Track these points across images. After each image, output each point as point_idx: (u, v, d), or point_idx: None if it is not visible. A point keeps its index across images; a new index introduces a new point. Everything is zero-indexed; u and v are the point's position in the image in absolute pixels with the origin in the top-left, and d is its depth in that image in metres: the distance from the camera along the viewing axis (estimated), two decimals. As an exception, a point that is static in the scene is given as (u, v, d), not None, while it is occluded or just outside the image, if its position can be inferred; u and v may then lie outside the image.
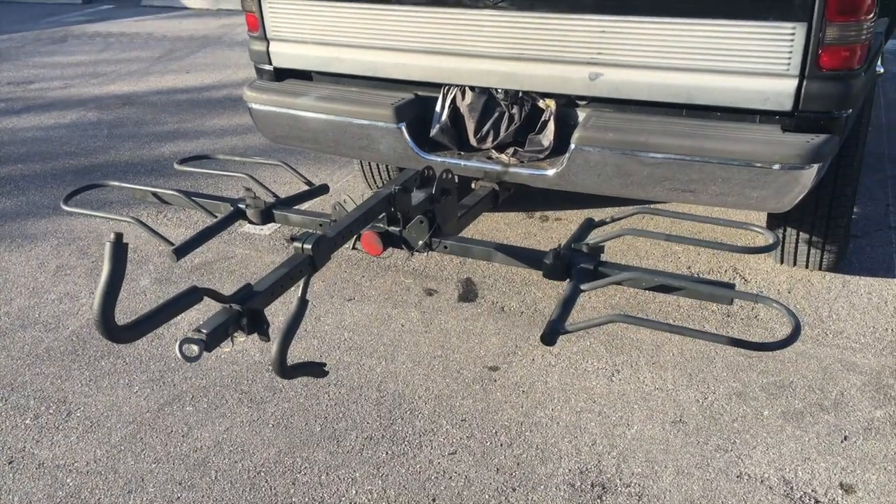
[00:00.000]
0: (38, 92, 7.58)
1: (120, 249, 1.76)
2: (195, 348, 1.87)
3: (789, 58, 2.61)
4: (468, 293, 3.59)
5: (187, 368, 3.14)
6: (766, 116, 2.80)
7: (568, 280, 2.52)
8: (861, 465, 2.53)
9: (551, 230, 4.17)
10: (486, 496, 2.49)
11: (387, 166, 4.28)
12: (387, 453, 2.69)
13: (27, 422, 2.90)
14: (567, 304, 2.26)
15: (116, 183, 3.24)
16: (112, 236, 1.75)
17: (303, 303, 2.25)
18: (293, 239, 2.42)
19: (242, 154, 5.51)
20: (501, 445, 2.69)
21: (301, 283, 2.34)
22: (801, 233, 3.39)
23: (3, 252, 4.20)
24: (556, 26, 2.90)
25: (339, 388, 3.01)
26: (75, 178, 5.19)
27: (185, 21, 11.37)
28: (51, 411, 2.95)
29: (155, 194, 3.18)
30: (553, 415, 2.81)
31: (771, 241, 2.52)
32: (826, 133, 2.69)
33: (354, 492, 2.54)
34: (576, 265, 2.51)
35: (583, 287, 2.39)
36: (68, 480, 2.62)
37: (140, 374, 3.15)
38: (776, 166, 2.68)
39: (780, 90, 2.67)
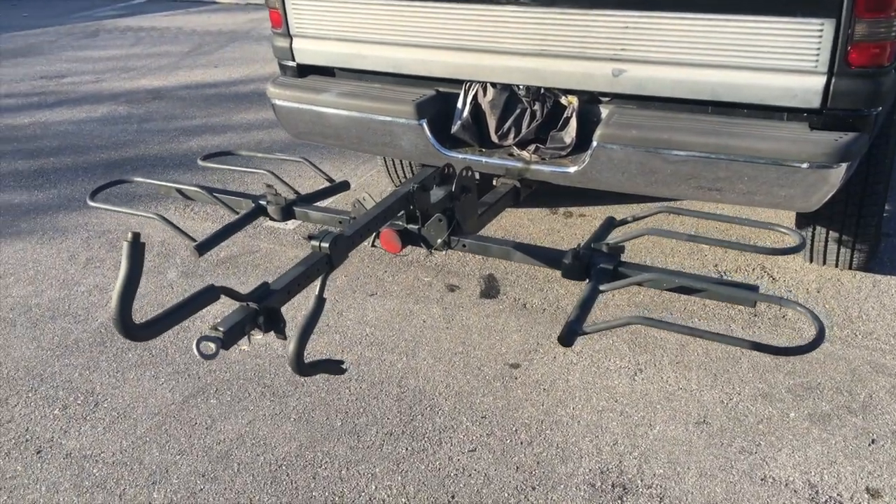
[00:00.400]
0: (71, 86, 7.69)
1: (137, 249, 1.78)
2: (212, 346, 1.88)
3: (817, 54, 2.56)
4: (490, 289, 3.58)
5: (212, 362, 3.16)
6: (793, 114, 2.75)
7: (587, 280, 2.50)
8: (888, 469, 2.48)
9: (575, 227, 4.15)
10: (506, 495, 2.49)
11: (410, 162, 4.27)
12: (407, 449, 2.69)
13: (56, 412, 2.95)
14: (585, 304, 2.25)
15: (141, 179, 3.28)
16: (129, 236, 1.77)
17: (320, 301, 2.25)
18: (311, 237, 2.43)
19: (267, 150, 5.55)
20: (521, 443, 2.68)
21: (319, 280, 2.35)
22: (830, 231, 3.33)
23: (36, 244, 4.28)
24: (578, 22, 2.87)
25: (361, 384, 3.02)
26: (106, 172, 5.26)
27: (214, 15, 11.46)
28: (79, 402, 3.00)
29: (178, 190, 3.21)
30: (574, 413, 2.80)
31: (797, 242, 2.47)
32: (855, 131, 2.64)
33: (374, 487, 2.55)
34: (595, 265, 2.49)
35: (602, 288, 2.38)
36: (94, 470, 2.66)
37: (166, 366, 3.18)
38: (804, 165, 2.64)
39: (808, 87, 2.62)
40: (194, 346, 1.87)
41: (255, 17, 10.96)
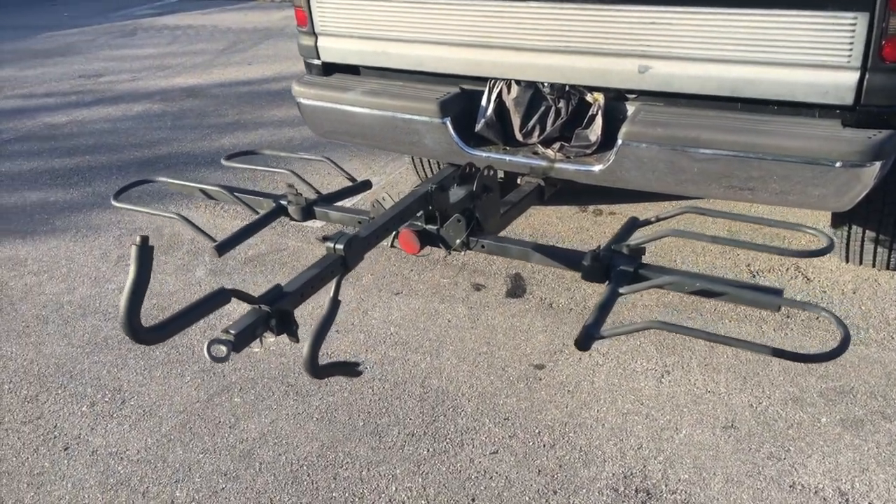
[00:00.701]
0: (108, 84, 7.82)
1: (146, 253, 1.78)
2: (223, 349, 1.88)
3: (850, 49, 2.48)
4: (516, 289, 3.55)
5: (237, 360, 3.19)
6: (825, 111, 2.67)
7: (607, 282, 2.46)
8: (924, 478, 2.40)
9: (605, 225, 4.09)
10: (527, 498, 2.46)
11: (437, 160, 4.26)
12: (428, 450, 2.67)
13: (83, 409, 3.00)
14: (604, 307, 2.20)
15: (164, 179, 3.31)
16: (138, 239, 1.77)
17: (335, 303, 2.24)
18: (325, 238, 2.41)
19: (296, 147, 5.57)
20: (544, 446, 2.65)
21: (333, 282, 2.33)
22: (867, 231, 3.23)
23: (69, 242, 4.35)
24: (603, 17, 2.82)
25: (384, 383, 3.01)
26: (139, 170, 5.33)
27: (250, 13, 11.56)
28: (106, 399, 3.04)
29: (201, 190, 3.23)
30: (598, 416, 2.75)
31: (826, 243, 2.40)
32: (889, 129, 2.55)
33: (394, 488, 2.54)
34: (615, 267, 2.44)
35: (621, 291, 2.33)
36: (119, 468, 2.69)
37: (192, 364, 3.21)
38: (836, 164, 2.56)
39: (840, 83, 2.54)
40: (205, 349, 1.87)
41: (289, 15, 11.02)
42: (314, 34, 3.51)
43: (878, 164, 2.53)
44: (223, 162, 3.37)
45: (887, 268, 3.39)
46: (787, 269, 3.53)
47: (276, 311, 2.11)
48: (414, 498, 2.50)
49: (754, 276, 3.49)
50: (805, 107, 2.69)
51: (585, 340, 2.06)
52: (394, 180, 4.84)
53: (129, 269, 1.79)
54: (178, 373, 3.16)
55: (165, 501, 2.54)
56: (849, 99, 2.56)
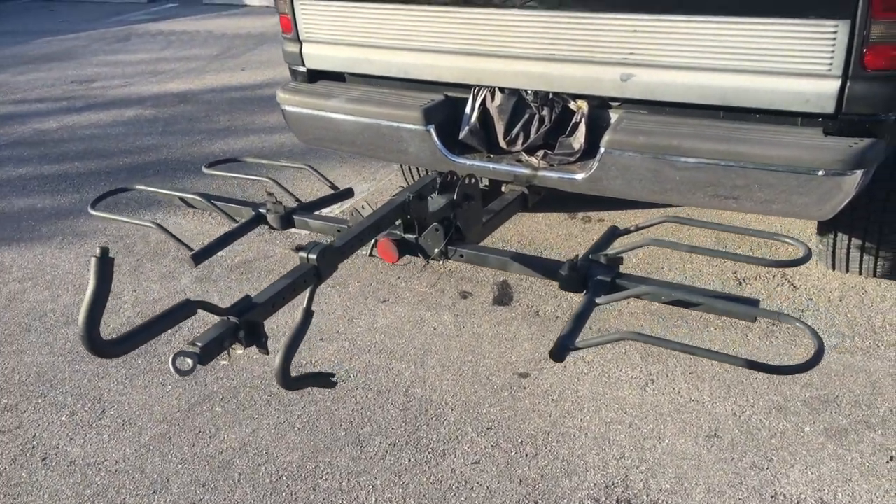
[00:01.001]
0: (100, 90, 7.80)
1: (106, 265, 1.75)
2: (189, 361, 1.86)
3: (832, 57, 2.46)
4: (503, 296, 3.53)
5: (219, 368, 3.16)
6: (807, 119, 2.65)
7: (585, 292, 2.44)
8: (907, 488, 2.38)
9: (593, 232, 4.07)
10: (509, 508, 2.44)
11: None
12: (409, 460, 2.65)
13: (63, 419, 2.97)
14: (580, 318, 2.18)
15: (143, 187, 3.30)
16: (98, 251, 1.75)
17: (307, 314, 2.22)
18: (298, 248, 2.39)
19: (286, 153, 5.55)
20: (526, 456, 2.62)
21: (307, 293, 2.30)
22: (853, 239, 3.21)
23: (55, 249, 4.32)
24: (587, 26, 2.80)
25: (367, 392, 2.98)
26: (129, 176, 5.31)
27: (244, 19, 11.56)
28: (86, 409, 3.01)
29: (181, 198, 3.21)
30: (582, 425, 2.73)
31: (803, 253, 2.39)
32: (871, 137, 2.53)
33: (374, 499, 2.51)
34: (592, 277, 2.43)
35: (598, 301, 2.31)
36: (97, 479, 2.67)
37: (174, 373, 3.18)
38: (818, 172, 2.54)
39: (821, 91, 2.53)
40: (170, 362, 1.84)
41: (283, 20, 11.02)
42: (299, 41, 3.49)
43: (859, 173, 2.52)
44: (204, 170, 3.35)
45: (874, 275, 3.37)
46: (774, 276, 3.51)
47: (244, 323, 2.08)
48: (394, 508, 2.48)
49: (741, 284, 3.47)
50: (787, 115, 2.67)
51: (560, 352, 2.04)
52: (384, 187, 4.82)
53: (88, 281, 1.77)
54: (159, 382, 3.13)
55: (143, 513, 2.53)
56: (830, 107, 2.55)
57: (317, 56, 3.49)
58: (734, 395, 2.80)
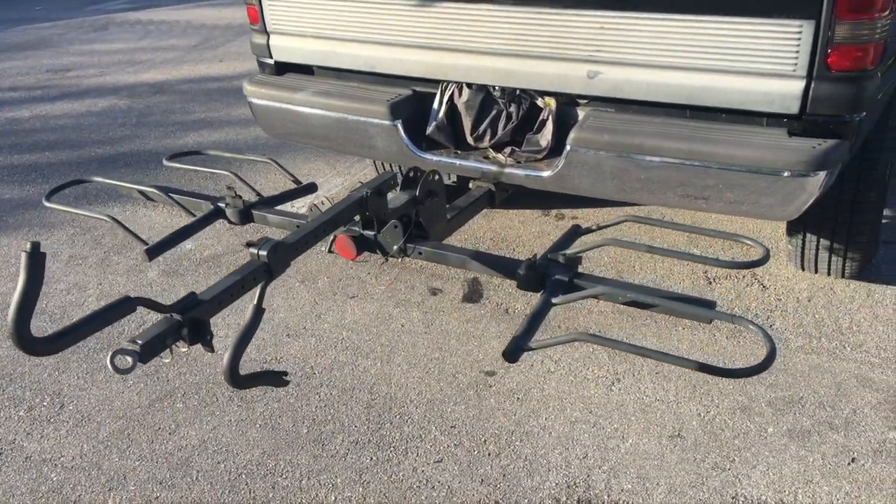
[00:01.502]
0: (75, 80, 7.69)
1: (36, 260, 1.71)
2: (129, 360, 1.81)
3: (796, 58, 2.45)
4: (473, 293, 3.50)
5: (182, 364, 3.12)
6: (772, 119, 2.64)
7: (542, 292, 2.41)
8: (867, 490, 2.37)
9: (565, 229, 4.04)
10: (470, 508, 2.41)
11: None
12: (371, 459, 2.62)
13: (21, 413, 2.91)
14: (536, 318, 2.16)
15: (100, 179, 3.26)
16: (28, 246, 1.70)
17: (258, 311, 2.18)
18: (249, 244, 2.32)
19: (261, 147, 5.49)
20: (489, 455, 2.60)
21: (258, 290, 2.26)
22: (822, 239, 3.21)
23: (21, 240, 4.25)
24: (554, 22, 2.77)
25: (331, 389, 2.95)
26: (99, 167, 5.24)
27: (224, 9, 11.43)
28: (45, 403, 2.96)
29: (140, 191, 3.16)
30: (546, 424, 2.71)
31: (761, 255, 2.40)
32: (835, 138, 2.52)
33: (334, 498, 2.48)
34: (550, 276, 2.40)
35: (554, 301, 2.29)
36: (52, 475, 2.62)
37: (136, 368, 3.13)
38: (782, 173, 2.53)
39: (786, 92, 2.51)
40: (108, 360, 1.79)
41: (265, 11, 10.92)
42: (266, 33, 3.45)
43: (822, 174, 2.51)
44: (165, 162, 3.30)
45: (842, 276, 3.37)
46: (744, 276, 3.50)
47: (188, 320, 2.02)
48: (354, 508, 2.45)
49: (711, 284, 3.46)
50: (753, 115, 2.66)
51: (514, 352, 2.02)
52: (357, 182, 4.77)
53: (19, 277, 1.72)
54: (120, 377, 3.07)
55: (99, 510, 2.48)
56: (795, 108, 2.54)
57: (284, 48, 3.44)
58: (699, 395, 2.79)
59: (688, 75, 2.64)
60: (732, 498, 2.37)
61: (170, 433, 2.78)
